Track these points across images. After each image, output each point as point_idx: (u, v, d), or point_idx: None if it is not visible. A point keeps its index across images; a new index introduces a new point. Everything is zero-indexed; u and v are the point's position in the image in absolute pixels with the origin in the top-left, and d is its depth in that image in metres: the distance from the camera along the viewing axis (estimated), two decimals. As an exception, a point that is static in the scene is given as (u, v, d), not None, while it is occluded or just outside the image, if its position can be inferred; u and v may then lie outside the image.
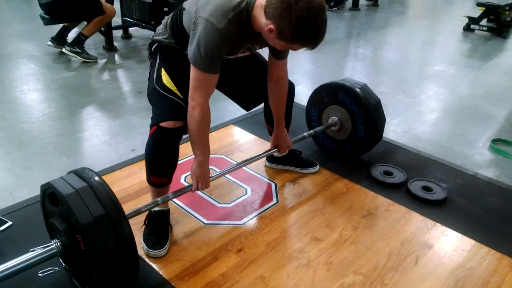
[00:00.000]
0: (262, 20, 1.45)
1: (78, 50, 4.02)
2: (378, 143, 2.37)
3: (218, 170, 2.26)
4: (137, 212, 1.58)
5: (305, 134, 2.27)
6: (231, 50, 1.59)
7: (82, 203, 1.27)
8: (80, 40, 4.04)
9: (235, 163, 2.31)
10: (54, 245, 1.36)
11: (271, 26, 1.40)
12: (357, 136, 2.29)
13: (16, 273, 1.30)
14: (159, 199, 1.68)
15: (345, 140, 2.35)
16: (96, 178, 1.37)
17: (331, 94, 2.34)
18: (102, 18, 4.04)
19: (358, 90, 2.23)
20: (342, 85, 2.29)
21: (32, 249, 1.36)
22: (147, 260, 1.67)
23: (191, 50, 1.52)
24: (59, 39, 4.17)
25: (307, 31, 1.38)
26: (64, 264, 1.40)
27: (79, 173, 1.39)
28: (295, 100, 2.16)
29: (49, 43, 4.18)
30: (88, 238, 1.26)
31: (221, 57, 1.55)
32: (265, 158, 2.32)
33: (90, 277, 1.35)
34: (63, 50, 4.04)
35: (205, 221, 1.90)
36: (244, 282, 1.59)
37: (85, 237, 1.27)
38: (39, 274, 1.37)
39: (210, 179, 1.75)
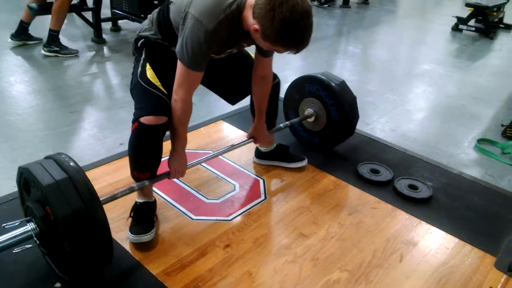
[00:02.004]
0: (250, 19, 1.45)
1: (56, 48, 3.92)
2: (356, 122, 2.40)
3: (204, 165, 2.26)
4: (112, 198, 1.61)
5: (281, 125, 2.30)
6: (218, 49, 1.59)
7: (44, 170, 1.35)
8: (53, 38, 3.90)
9: (223, 158, 2.32)
10: (27, 225, 1.39)
11: (256, 26, 1.41)
12: (333, 119, 2.32)
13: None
14: (134, 185, 1.69)
15: (325, 128, 2.38)
16: (59, 155, 1.44)
17: (299, 89, 2.42)
18: (58, 5, 3.82)
19: (320, 76, 2.31)
20: (306, 77, 2.39)
21: (4, 224, 1.39)
22: (133, 255, 1.67)
23: (178, 45, 1.53)
24: (19, 35, 4.10)
25: (289, 35, 1.38)
26: (39, 245, 1.42)
27: (48, 156, 1.47)
28: (282, 96, 2.17)
29: (9, 40, 4.09)
30: (52, 202, 1.29)
31: (208, 56, 1.55)
32: (253, 154, 2.34)
33: (63, 251, 1.36)
34: (42, 52, 3.91)
35: (193, 216, 1.90)
36: (231, 277, 1.60)
37: (50, 202, 1.30)
38: (14, 252, 1.38)
39: (187, 166, 1.81)
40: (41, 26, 4.18)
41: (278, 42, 1.43)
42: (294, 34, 1.39)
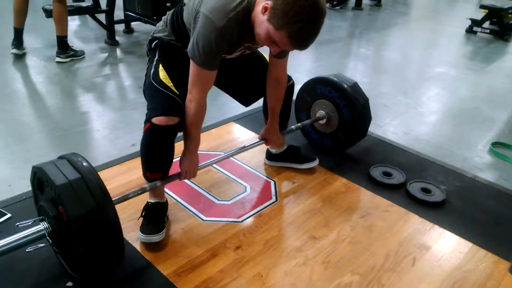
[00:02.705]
0: (260, 16, 1.43)
1: (71, 52, 3.91)
2: (368, 124, 2.39)
3: (215, 166, 2.26)
4: (124, 198, 1.61)
5: (292, 127, 2.29)
6: (229, 48, 1.59)
7: (58, 170, 1.35)
8: (64, 44, 3.85)
9: (234, 160, 2.32)
10: (40, 224, 1.40)
11: (268, 3, 1.37)
12: (345, 120, 2.30)
13: (4, 253, 1.35)
14: (146, 186, 1.69)
15: (337, 130, 2.36)
16: (72, 155, 1.45)
17: (310, 91, 2.41)
18: (56, 12, 3.72)
19: (332, 77, 2.31)
20: (317, 79, 2.38)
21: (17, 223, 1.40)
22: (144, 255, 1.67)
23: (190, 44, 1.53)
24: (20, 43, 3.94)
25: (299, 21, 1.32)
26: (52, 244, 1.43)
27: (61, 156, 1.49)
28: (293, 98, 2.17)
29: (14, 50, 3.88)
30: (65, 201, 1.29)
31: (219, 54, 1.55)
32: (264, 156, 2.33)
33: (75, 251, 1.36)
34: (59, 60, 3.83)
35: (204, 217, 1.90)
36: (242, 279, 1.59)
37: (63, 202, 1.30)
38: (27, 250, 1.39)
39: (198, 168, 1.80)
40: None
41: (284, 26, 1.34)
42: (304, 24, 1.33)
